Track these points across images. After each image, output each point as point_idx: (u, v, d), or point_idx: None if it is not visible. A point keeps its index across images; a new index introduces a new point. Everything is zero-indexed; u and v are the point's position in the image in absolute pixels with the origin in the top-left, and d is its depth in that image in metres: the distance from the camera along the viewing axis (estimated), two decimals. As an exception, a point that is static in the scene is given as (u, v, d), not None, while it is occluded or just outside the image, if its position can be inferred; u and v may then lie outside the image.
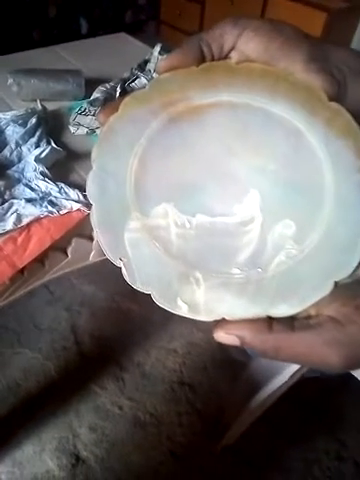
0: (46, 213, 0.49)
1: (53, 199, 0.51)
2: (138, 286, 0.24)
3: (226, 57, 0.24)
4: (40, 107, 0.65)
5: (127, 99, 0.24)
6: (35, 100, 0.67)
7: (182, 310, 0.23)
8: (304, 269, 0.23)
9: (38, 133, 0.59)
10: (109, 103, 0.26)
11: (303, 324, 0.21)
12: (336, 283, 0.22)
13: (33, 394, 0.96)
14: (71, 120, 0.66)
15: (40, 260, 0.51)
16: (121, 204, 0.24)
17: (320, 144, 0.23)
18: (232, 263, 0.23)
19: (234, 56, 0.24)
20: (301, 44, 0.23)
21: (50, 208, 0.49)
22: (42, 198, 0.51)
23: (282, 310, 0.22)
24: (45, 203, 0.50)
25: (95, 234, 0.24)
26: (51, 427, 0.91)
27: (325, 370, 0.21)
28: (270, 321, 0.22)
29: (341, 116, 0.22)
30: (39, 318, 1.10)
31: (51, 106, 0.69)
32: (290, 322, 0.22)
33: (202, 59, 0.24)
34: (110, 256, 0.24)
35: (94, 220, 0.24)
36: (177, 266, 0.24)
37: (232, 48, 0.24)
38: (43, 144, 0.57)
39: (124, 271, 0.24)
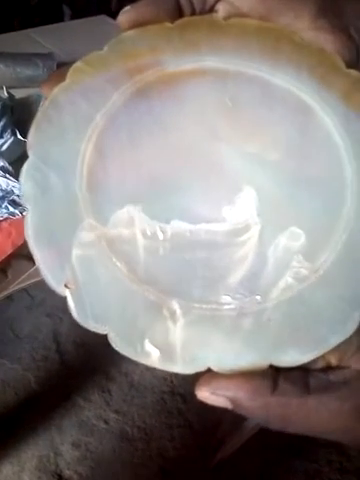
0: (6, 215, 0.46)
1: (15, 198, 0.47)
2: (89, 323, 0.17)
3: (211, 11, 0.19)
4: (6, 95, 0.60)
5: (77, 64, 0.19)
6: (1, 87, 0.63)
7: (151, 358, 0.17)
8: (318, 296, 0.17)
9: (2, 123, 0.55)
10: (55, 71, 0.21)
11: (321, 381, 0.15)
12: None
13: (11, 408, 0.92)
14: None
15: (1, 269, 0.47)
16: (69, 208, 0.18)
17: (337, 125, 0.18)
18: (221, 288, 0.18)
19: (221, 9, 0.19)
20: None
21: (11, 209, 0.47)
22: (2, 198, 0.48)
23: (290, 357, 0.16)
24: (5, 203, 0.47)
25: (31, 250, 0.18)
26: (31, 444, 0.87)
27: (352, 445, 0.15)
28: (275, 375, 0.16)
29: None
30: (18, 325, 1.05)
31: (19, 93, 0.64)
32: (303, 377, 0.16)
33: (179, 13, 0.19)
34: (51, 281, 0.18)
35: (29, 231, 0.18)
36: (145, 294, 0.18)
37: None
38: (7, 135, 0.53)
39: (70, 302, 0.17)
